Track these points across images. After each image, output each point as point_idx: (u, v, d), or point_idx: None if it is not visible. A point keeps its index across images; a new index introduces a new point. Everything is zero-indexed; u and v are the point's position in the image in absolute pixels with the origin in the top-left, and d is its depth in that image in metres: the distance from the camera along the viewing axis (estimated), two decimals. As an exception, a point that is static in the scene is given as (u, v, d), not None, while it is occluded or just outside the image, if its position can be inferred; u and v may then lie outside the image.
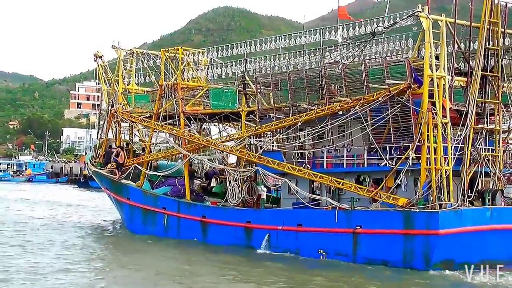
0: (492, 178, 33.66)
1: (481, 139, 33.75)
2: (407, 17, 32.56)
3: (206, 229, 40.05)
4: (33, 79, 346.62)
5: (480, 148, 33.38)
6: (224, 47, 42.47)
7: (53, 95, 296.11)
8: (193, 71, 43.78)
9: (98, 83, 48.55)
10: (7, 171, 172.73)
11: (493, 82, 33.99)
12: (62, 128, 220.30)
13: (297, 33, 38.56)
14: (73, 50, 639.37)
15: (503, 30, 34.16)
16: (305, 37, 38.23)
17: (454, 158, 32.31)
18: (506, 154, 35.12)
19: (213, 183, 43.09)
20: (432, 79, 31.96)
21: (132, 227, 45.82)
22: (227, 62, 42.61)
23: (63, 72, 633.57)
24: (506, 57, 35.18)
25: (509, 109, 35.07)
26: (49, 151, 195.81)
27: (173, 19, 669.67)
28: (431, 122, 31.38)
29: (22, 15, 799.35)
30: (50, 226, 47.96)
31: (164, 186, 43.61)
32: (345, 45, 35.86)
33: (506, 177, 35.09)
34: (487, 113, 34.04)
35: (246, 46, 40.65)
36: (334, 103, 34.98)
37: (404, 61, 32.79)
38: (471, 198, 32.82)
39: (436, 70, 32.13)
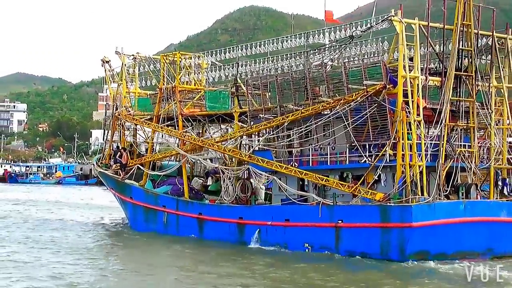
0: (468, 173, 35.69)
1: (456, 136, 35.78)
2: (382, 21, 34.83)
3: (202, 226, 42.56)
4: (61, 82, 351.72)
5: (456, 144, 35.42)
6: (219, 50, 44.96)
7: (82, 97, 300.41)
8: (189, 74, 46.23)
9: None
10: (37, 173, 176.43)
11: (468, 82, 36.00)
12: (90, 130, 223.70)
13: (283, 38, 40.87)
14: (101, 52, 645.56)
15: (476, 31, 36.17)
16: (294, 40, 40.57)
17: (429, 154, 34.48)
18: (483, 150, 36.95)
19: (209, 181, 45.51)
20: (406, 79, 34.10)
21: (135, 225, 48.54)
22: (229, 65, 45.04)
23: (91, 75, 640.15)
24: (483, 57, 37.20)
25: (483, 108, 36.90)
26: (78, 153, 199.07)
27: (199, 19, 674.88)
28: (405, 120, 33.52)
29: (51, 19, 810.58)
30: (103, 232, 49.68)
31: (165, 185, 46.14)
32: (326, 49, 38.03)
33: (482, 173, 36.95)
34: (462, 111, 36.07)
35: (253, 48, 43.05)
36: (318, 104, 37.21)
37: (380, 63, 34.95)
38: (447, 192, 34.92)
39: (411, 71, 34.24)
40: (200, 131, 49.08)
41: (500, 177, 37.55)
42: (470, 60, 36.23)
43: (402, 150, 33.68)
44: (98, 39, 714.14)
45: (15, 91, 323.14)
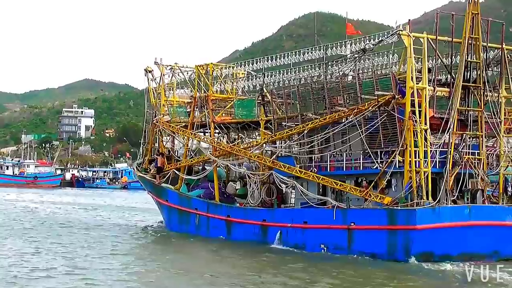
0: (475, 179, 38.09)
1: (464, 144, 38.21)
2: (390, 35, 37.54)
3: (230, 228, 45.85)
4: (128, 88, 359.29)
5: (463, 152, 37.86)
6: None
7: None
8: (222, 84, 49.59)
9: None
10: (104, 178, 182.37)
11: (476, 92, 38.40)
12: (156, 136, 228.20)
13: (305, 50, 43.92)
14: (166, 58, 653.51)
15: (484, 44, 38.55)
16: (314, 51, 43.56)
17: (437, 161, 37.05)
18: (492, 157, 39.29)
19: (238, 185, 48.70)
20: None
21: (170, 226, 52.34)
22: (264, 73, 48.18)
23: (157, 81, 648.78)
24: (493, 69, 39.57)
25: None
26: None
27: (264, 25, 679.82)
28: (411, 129, 36.16)
29: (119, 26, 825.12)
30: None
31: (198, 189, 49.56)
32: (342, 60, 40.91)
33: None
34: (471, 120, 38.50)
35: (280, 58, 46.23)
36: (335, 113, 40.05)
37: (389, 75, 37.67)
38: (454, 197, 37.40)
39: (419, 82, 36.84)
40: (236, 138, 52.24)
41: (509, 183, 39.81)
42: (478, 71, 38.53)
43: (410, 157, 36.30)
44: (164, 46, 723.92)
45: (83, 97, 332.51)
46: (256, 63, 48.27)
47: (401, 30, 36.90)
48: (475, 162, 38.22)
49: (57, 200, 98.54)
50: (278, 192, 45.35)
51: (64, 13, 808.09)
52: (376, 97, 37.71)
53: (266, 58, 47.40)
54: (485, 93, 38.79)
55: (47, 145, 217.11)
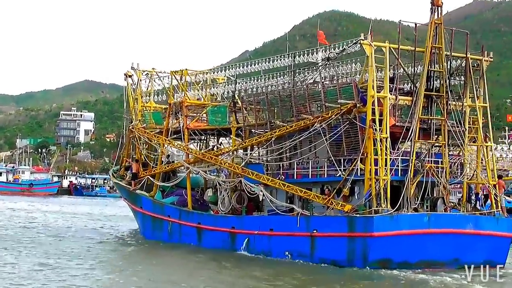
0: (437, 187, 41.57)
1: (426, 152, 41.71)
2: (353, 44, 41.11)
3: (200, 235, 49.42)
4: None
5: (426, 160, 41.32)
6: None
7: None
8: (200, 89, 53.37)
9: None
10: (104, 186, 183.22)
11: (439, 101, 41.89)
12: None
13: (275, 57, 47.64)
14: (170, 60, 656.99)
15: (448, 53, 42.05)
16: (285, 59, 47.27)
17: (400, 169, 40.57)
18: (457, 166, 42.77)
19: (209, 193, 52.38)
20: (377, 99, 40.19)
21: (144, 233, 56.00)
22: (235, 80, 51.87)
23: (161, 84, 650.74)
24: (456, 78, 43.06)
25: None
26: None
27: (276, 25, 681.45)
28: (371, 137, 39.60)
29: (121, 26, 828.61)
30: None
31: (173, 196, 53.30)
32: (309, 68, 44.61)
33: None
34: (433, 129, 41.96)
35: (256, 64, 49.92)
36: (301, 120, 43.63)
37: (351, 84, 41.30)
38: (416, 205, 40.86)
39: (380, 91, 40.36)
40: (215, 144, 55.85)
41: (473, 192, 43.28)
42: (441, 81, 42.03)
43: (370, 165, 39.81)
44: (169, 47, 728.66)
45: (82, 100, 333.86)
46: (243, 67, 51.47)
47: (362, 40, 40.45)
48: (437, 171, 41.67)
49: (53, 209, 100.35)
50: (250, 199, 48.44)
51: (63, 10, 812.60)
52: (339, 105, 41.36)
53: (248, 63, 51.08)
54: (448, 102, 42.25)
55: (43, 150, 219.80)
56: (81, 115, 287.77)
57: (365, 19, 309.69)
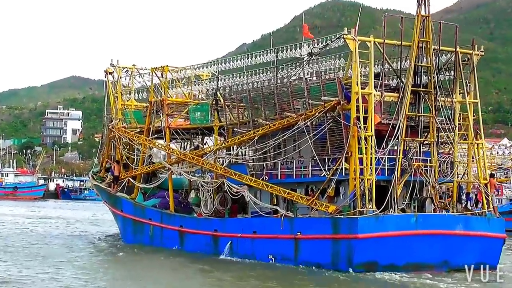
0: (426, 186, 41.36)
1: (414, 150, 41.49)
2: (336, 39, 40.90)
3: (183, 238, 49.14)
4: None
5: (413, 159, 41.12)
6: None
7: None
8: (183, 87, 53.16)
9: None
10: (92, 189, 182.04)
11: (427, 98, 41.71)
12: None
13: (257, 53, 47.41)
14: (162, 56, 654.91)
15: (436, 48, 41.86)
16: (265, 55, 47.09)
17: (388, 168, 40.38)
18: (446, 165, 42.57)
19: (192, 194, 52.20)
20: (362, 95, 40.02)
21: (125, 237, 55.64)
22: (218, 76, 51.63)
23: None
24: (444, 73, 42.87)
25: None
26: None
27: (275, 16, 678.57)
28: (355, 135, 39.33)
29: (110, 20, 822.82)
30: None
31: (155, 198, 53.07)
32: (292, 64, 44.42)
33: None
34: (421, 126, 41.75)
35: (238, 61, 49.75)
36: (284, 118, 43.42)
37: (335, 80, 41.11)
38: (404, 205, 40.68)
39: (365, 88, 40.19)
40: (199, 143, 55.60)
41: (464, 191, 43.12)
42: (429, 76, 41.86)
43: (355, 164, 39.58)
44: (163, 40, 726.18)
45: (69, 97, 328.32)
46: (225, 63, 50.94)
47: (346, 34, 40.27)
48: (425, 170, 41.52)
49: (39, 214, 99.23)
50: (234, 201, 48.15)
51: (49, 2, 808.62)
52: (323, 103, 41.20)
53: (231, 59, 50.86)
54: (437, 98, 42.10)
55: (28, 151, 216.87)
56: (68, 113, 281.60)
57: (370, 9, 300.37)
